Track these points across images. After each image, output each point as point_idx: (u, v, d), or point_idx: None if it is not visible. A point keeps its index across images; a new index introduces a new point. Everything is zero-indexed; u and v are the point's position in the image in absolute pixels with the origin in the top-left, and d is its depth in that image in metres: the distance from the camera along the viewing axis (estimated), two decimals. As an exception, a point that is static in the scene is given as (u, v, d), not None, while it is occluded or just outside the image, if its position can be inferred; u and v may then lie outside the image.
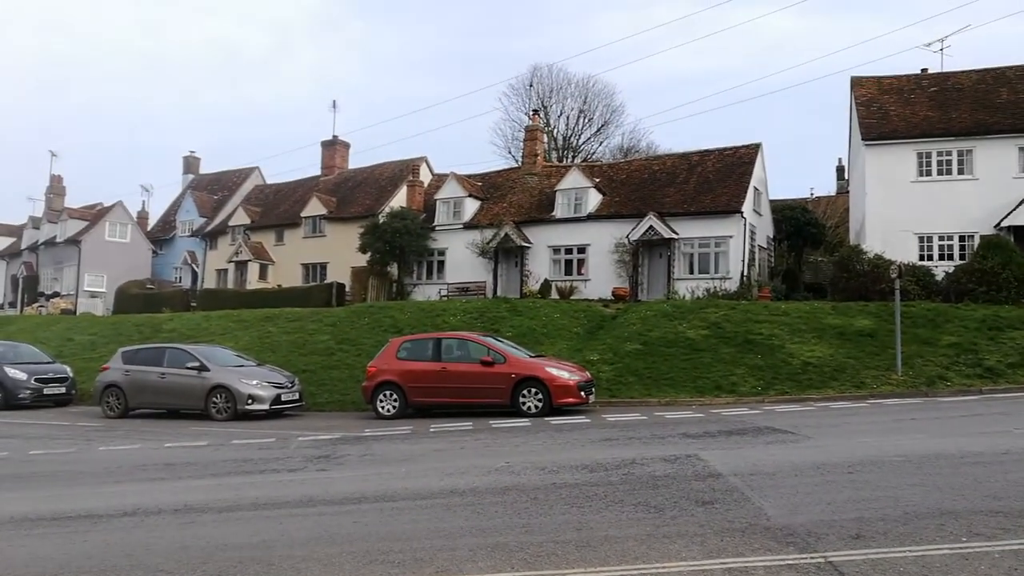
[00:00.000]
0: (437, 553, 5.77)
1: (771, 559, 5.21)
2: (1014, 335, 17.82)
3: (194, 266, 42.18)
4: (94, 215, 43.70)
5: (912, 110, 26.80)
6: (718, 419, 13.06)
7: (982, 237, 23.50)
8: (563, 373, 15.08)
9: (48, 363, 21.10)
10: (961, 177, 25.10)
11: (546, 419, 14.08)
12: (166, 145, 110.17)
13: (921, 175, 25.52)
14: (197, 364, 17.02)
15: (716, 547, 5.57)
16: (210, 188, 46.03)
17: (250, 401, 16.36)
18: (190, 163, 49.10)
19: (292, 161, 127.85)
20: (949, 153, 25.35)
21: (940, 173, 25.38)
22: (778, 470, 8.18)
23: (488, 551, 5.76)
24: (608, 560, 5.40)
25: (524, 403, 14.79)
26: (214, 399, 16.56)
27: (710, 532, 5.95)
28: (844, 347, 17.94)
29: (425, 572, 5.35)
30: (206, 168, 49.46)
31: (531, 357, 16.01)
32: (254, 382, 16.70)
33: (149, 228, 46.46)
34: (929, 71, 29.74)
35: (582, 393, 14.93)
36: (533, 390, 14.81)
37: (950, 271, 22.70)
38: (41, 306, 40.42)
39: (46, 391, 19.91)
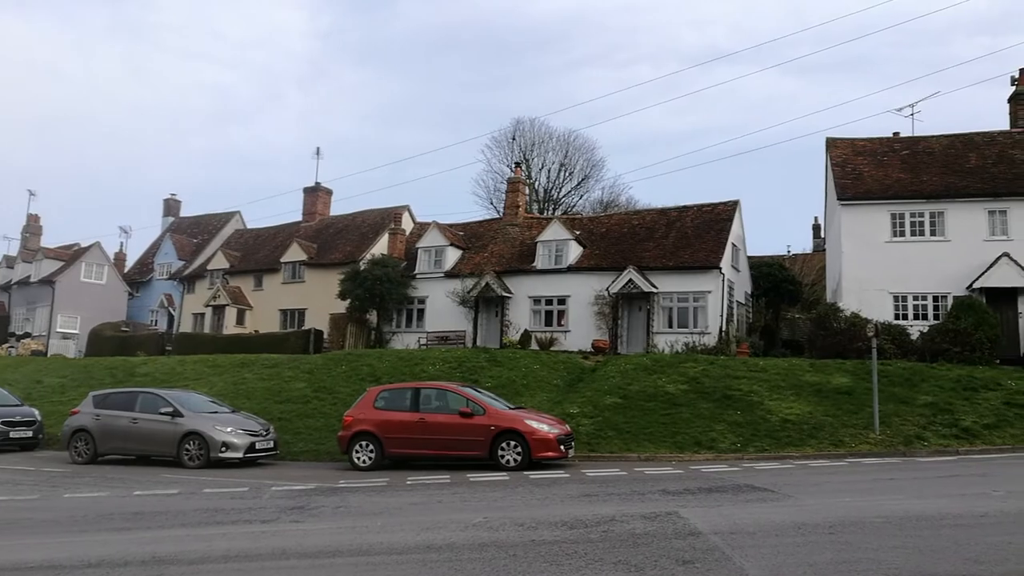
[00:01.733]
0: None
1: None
2: (988, 396, 18.00)
3: (170, 309, 41.72)
4: (70, 255, 43.27)
5: (885, 172, 27.47)
6: (698, 476, 12.99)
7: (955, 298, 23.91)
8: (543, 426, 14.97)
9: (15, 405, 20.60)
10: (934, 238, 25.63)
11: (525, 473, 13.92)
12: (148, 187, 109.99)
13: (895, 235, 26.04)
14: (170, 410, 16.70)
15: (698, 609, 5.48)
16: (190, 231, 45.86)
17: (224, 449, 16.04)
18: (171, 206, 48.98)
19: (274, 207, 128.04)
20: (921, 215, 25.92)
21: (913, 234, 25.91)
22: (759, 529, 8.11)
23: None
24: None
25: (503, 456, 14.63)
26: (187, 446, 16.21)
27: (692, 593, 5.86)
28: (822, 404, 18.01)
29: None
30: (187, 211, 49.39)
31: (511, 409, 15.90)
32: (228, 429, 16.40)
33: (126, 270, 46.04)
34: (901, 135, 30.61)
35: (561, 447, 14.81)
36: (512, 443, 14.66)
37: (925, 330, 23.01)
38: (11, 347, 39.65)
39: (12, 434, 19.40)
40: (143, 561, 7.54)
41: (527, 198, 39.16)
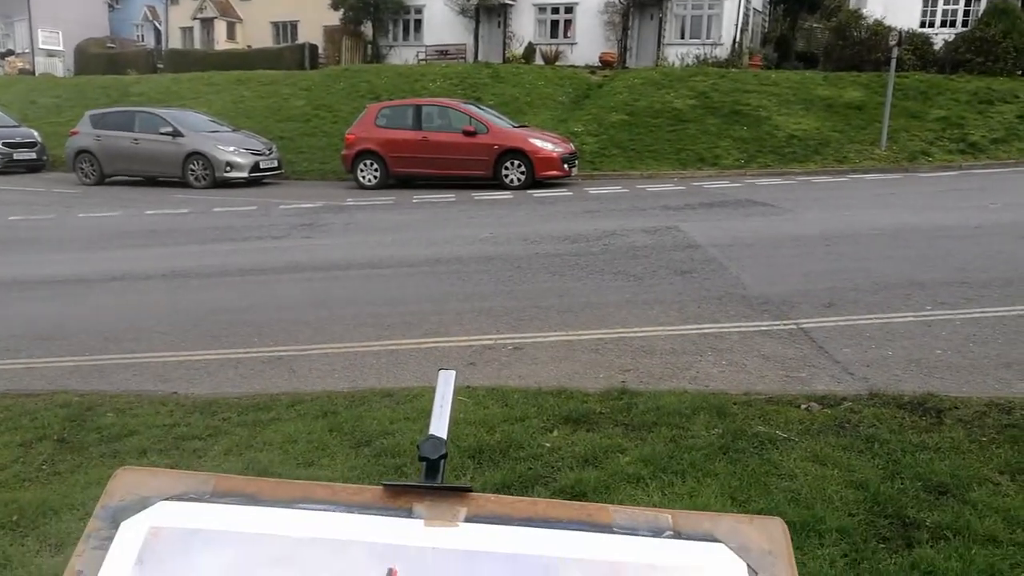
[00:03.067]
0: (425, 317, 5.98)
1: (746, 326, 5.46)
2: (1003, 109, 17.59)
3: (156, 23, 39.55)
4: (38, -38, 40.07)
5: None
6: (699, 192, 13.14)
7: (989, 1, 22.37)
8: (547, 145, 14.85)
9: (14, 127, 20.35)
10: (982, -71, 23.36)
11: (528, 192, 14.10)
12: None
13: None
14: (170, 129, 16.50)
15: (693, 314, 5.81)
16: (163, -67, 41.93)
17: (228, 168, 16.10)
18: (137, -97, 44.29)
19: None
20: None
21: (964, -82, 23.55)
22: (756, 242, 8.36)
23: (474, 315, 5.97)
24: (589, 324, 5.63)
25: (507, 175, 14.69)
26: (191, 166, 16.27)
27: (688, 300, 6.18)
28: (831, 120, 17.68)
29: (414, 334, 5.57)
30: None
31: (514, 127, 15.66)
32: (231, 148, 16.33)
33: (101, -21, 42.86)
34: None
35: (565, 166, 14.81)
36: (516, 162, 14.64)
37: (950, 39, 21.85)
38: (-3, 66, 38.30)
39: (16, 156, 19.40)
40: (164, 275, 7.90)
41: None
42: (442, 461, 0.87)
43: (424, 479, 0.86)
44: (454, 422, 3.71)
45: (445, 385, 0.96)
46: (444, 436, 0.89)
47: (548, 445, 3.48)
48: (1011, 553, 2.59)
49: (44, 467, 3.45)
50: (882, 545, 2.68)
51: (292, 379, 4.75)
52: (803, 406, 3.90)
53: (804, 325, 5.39)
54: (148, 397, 4.39)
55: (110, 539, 0.75)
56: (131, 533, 0.75)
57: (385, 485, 0.83)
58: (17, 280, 7.83)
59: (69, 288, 7.49)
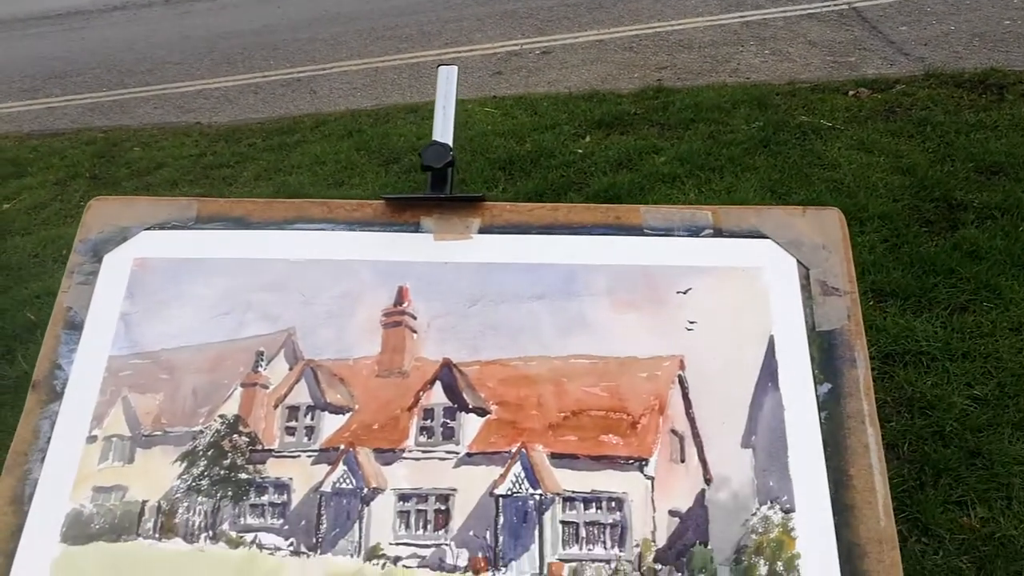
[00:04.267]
0: (444, 26, 5.61)
1: (791, 9, 5.00)
2: None
3: None
4: None
5: None
6: None
7: None
8: None
9: None
10: None
11: None
12: None
13: None
14: None
15: (735, 0, 5.32)
16: None
17: None
18: None
19: None
20: None
21: None
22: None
23: (496, 20, 5.58)
24: (622, 20, 5.23)
25: None
26: None
27: (729, -16, 5.63)
28: None
29: (434, 45, 5.26)
30: None
31: None
32: None
33: None
34: None
35: None
36: None
37: None
38: None
39: None
40: (167, 1, 7.44)
41: None
42: (449, 169, 0.78)
43: (430, 191, 0.77)
44: (481, 134, 3.61)
45: (447, 83, 0.83)
46: (449, 141, 0.78)
47: (580, 151, 3.38)
48: (1059, 228, 2.53)
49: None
50: (924, 229, 2.63)
51: (314, 100, 4.60)
52: (851, 92, 3.67)
53: (856, 4, 4.91)
54: (172, 129, 4.32)
55: (94, 274, 0.69)
56: (115, 266, 0.69)
57: (387, 199, 0.75)
58: (16, 17, 7.46)
59: (71, 22, 7.13)
